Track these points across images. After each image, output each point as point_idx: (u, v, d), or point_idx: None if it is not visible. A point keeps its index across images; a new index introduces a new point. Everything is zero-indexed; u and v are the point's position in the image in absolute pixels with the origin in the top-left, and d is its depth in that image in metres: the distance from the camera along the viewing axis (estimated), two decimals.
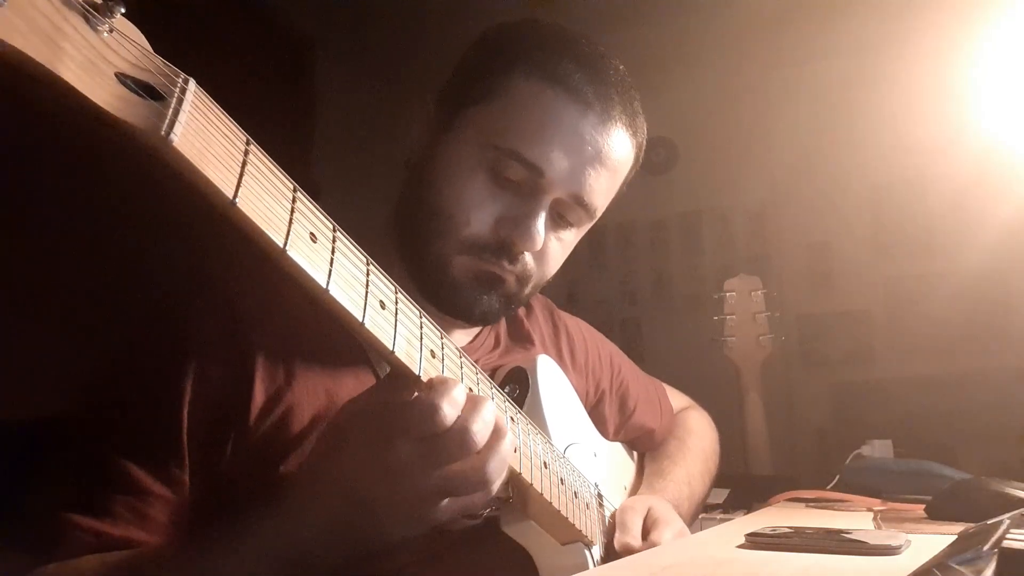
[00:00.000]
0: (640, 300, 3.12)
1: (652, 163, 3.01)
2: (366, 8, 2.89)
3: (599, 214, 0.86)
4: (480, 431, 0.57)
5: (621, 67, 0.84)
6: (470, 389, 0.62)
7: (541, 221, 0.79)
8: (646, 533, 0.84)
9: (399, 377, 0.58)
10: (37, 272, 1.89)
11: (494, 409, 0.60)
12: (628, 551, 0.81)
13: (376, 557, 0.65)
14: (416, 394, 0.56)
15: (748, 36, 2.81)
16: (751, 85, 2.87)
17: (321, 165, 2.77)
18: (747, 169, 2.89)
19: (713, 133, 2.95)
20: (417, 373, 0.57)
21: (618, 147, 0.82)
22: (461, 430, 0.56)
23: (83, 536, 0.64)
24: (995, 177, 2.41)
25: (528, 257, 0.81)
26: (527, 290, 0.85)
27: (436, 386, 0.56)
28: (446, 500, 0.58)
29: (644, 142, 0.88)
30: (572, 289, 3.07)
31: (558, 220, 0.83)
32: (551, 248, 0.84)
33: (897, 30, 2.52)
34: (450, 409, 0.56)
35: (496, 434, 0.59)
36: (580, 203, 0.81)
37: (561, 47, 0.81)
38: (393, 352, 0.55)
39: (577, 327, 1.11)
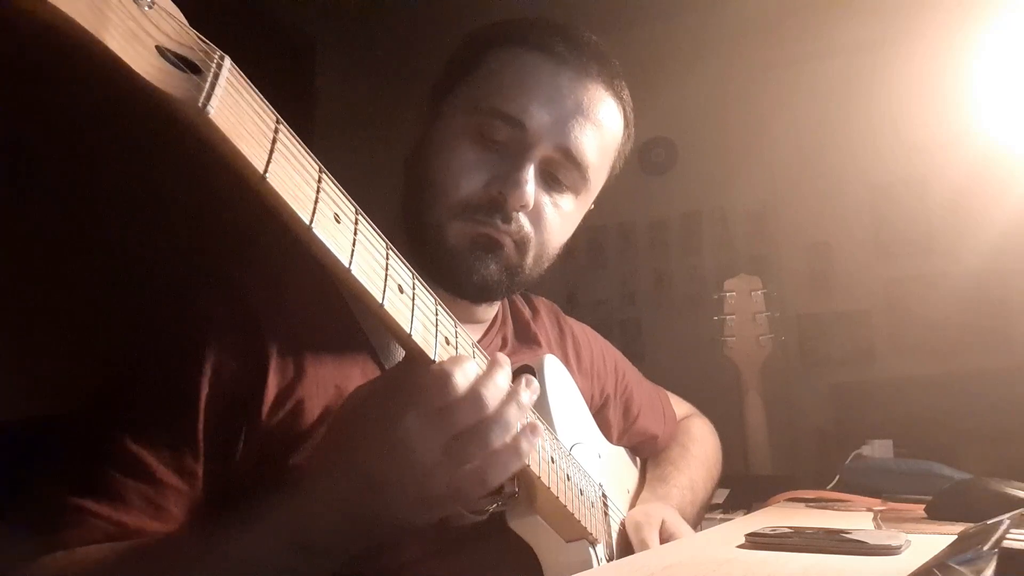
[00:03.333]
0: (640, 300, 3.12)
1: (652, 163, 3.01)
2: (367, 6, 2.89)
3: (592, 176, 0.85)
4: (492, 394, 0.58)
5: (595, 38, 0.86)
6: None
7: (528, 173, 0.79)
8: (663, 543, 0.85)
9: (410, 361, 0.58)
10: (56, 264, 1.90)
11: (508, 375, 0.61)
12: None
13: (388, 544, 0.64)
14: (428, 368, 0.57)
15: (748, 36, 2.81)
16: (751, 85, 2.87)
17: (321, 161, 2.77)
18: (747, 169, 2.89)
19: (713, 133, 2.95)
20: (432, 358, 0.57)
21: (602, 106, 0.84)
22: (473, 393, 0.57)
23: (96, 522, 0.64)
24: (995, 177, 2.41)
25: (524, 219, 0.81)
26: (528, 259, 0.84)
27: (449, 359, 0.58)
28: (455, 475, 0.57)
29: (631, 112, 0.89)
30: (572, 289, 3.07)
31: (551, 182, 0.83)
32: (547, 212, 0.83)
33: (897, 30, 2.52)
34: (462, 378, 0.56)
35: (506, 400, 0.59)
36: (568, 158, 0.81)
37: (535, 22, 0.85)
38: (410, 336, 0.55)
39: (583, 332, 1.11)
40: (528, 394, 0.62)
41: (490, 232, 0.80)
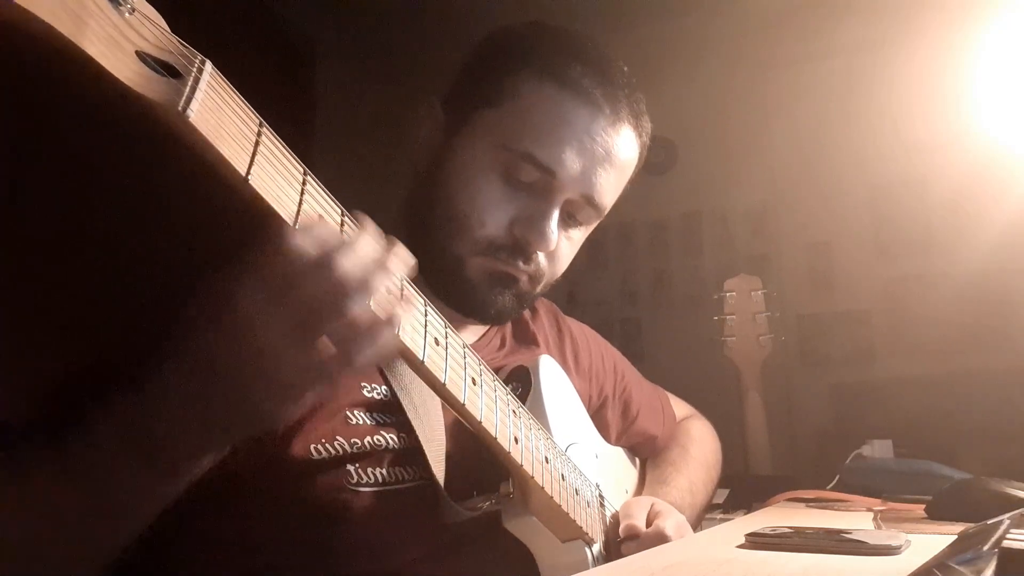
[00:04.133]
0: (640, 300, 3.12)
1: (652, 163, 2.98)
2: (367, 7, 2.89)
3: (606, 212, 0.87)
4: (349, 259, 0.48)
5: (626, 68, 0.86)
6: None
7: (554, 222, 0.80)
8: (649, 523, 0.85)
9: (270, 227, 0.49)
10: (52, 266, 1.89)
11: (373, 240, 0.52)
12: (632, 533, 0.82)
13: (252, 436, 0.57)
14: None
15: (748, 36, 2.81)
16: (751, 85, 2.87)
17: (320, 164, 2.77)
18: (747, 169, 2.89)
19: (713, 133, 2.95)
20: (421, 359, 0.57)
21: (625, 147, 0.84)
22: (323, 258, 0.48)
23: None
24: (995, 177, 2.41)
25: (541, 256, 0.83)
26: (538, 288, 0.87)
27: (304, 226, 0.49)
28: (312, 353, 0.50)
29: (648, 141, 0.90)
30: (572, 289, 3.07)
31: (568, 219, 0.84)
32: (561, 247, 0.85)
33: (897, 30, 2.52)
34: (308, 241, 0.48)
35: (370, 266, 0.50)
36: (591, 203, 0.83)
37: (568, 49, 0.82)
38: (397, 335, 0.55)
39: (581, 332, 1.11)
40: (396, 261, 0.53)
41: (510, 271, 0.81)
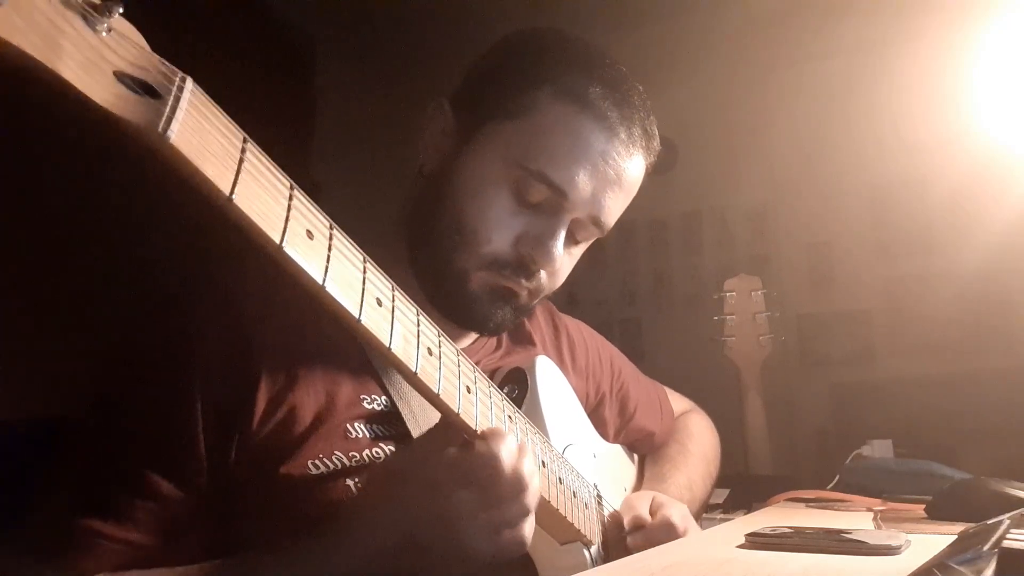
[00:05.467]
0: (640, 300, 3.12)
1: (652, 163, 3.00)
2: (367, 6, 2.89)
3: (608, 230, 0.87)
4: (529, 473, 0.63)
5: (640, 88, 0.86)
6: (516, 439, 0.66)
7: (561, 241, 0.81)
8: (653, 514, 0.86)
9: (451, 426, 0.62)
10: (45, 273, 1.90)
11: (534, 454, 0.67)
12: (638, 523, 0.83)
13: None
14: (476, 445, 0.62)
15: (748, 36, 2.81)
16: (751, 85, 2.87)
17: (320, 164, 2.77)
18: (747, 169, 2.89)
19: (713, 133, 2.94)
20: (414, 370, 0.57)
21: (635, 169, 0.84)
22: (515, 474, 0.61)
23: (106, 544, 0.65)
24: (995, 177, 2.40)
25: (542, 273, 0.83)
26: (536, 301, 0.87)
27: (492, 436, 0.62)
28: (492, 540, 0.62)
29: (654, 160, 0.89)
30: (572, 289, 3.06)
31: (570, 237, 0.84)
32: (564, 264, 0.86)
33: (897, 30, 2.52)
34: (508, 458, 0.61)
35: (534, 472, 0.64)
36: (596, 223, 0.83)
37: (588, 67, 0.82)
38: (390, 349, 0.55)
39: (578, 329, 1.11)
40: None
41: (512, 287, 0.82)
